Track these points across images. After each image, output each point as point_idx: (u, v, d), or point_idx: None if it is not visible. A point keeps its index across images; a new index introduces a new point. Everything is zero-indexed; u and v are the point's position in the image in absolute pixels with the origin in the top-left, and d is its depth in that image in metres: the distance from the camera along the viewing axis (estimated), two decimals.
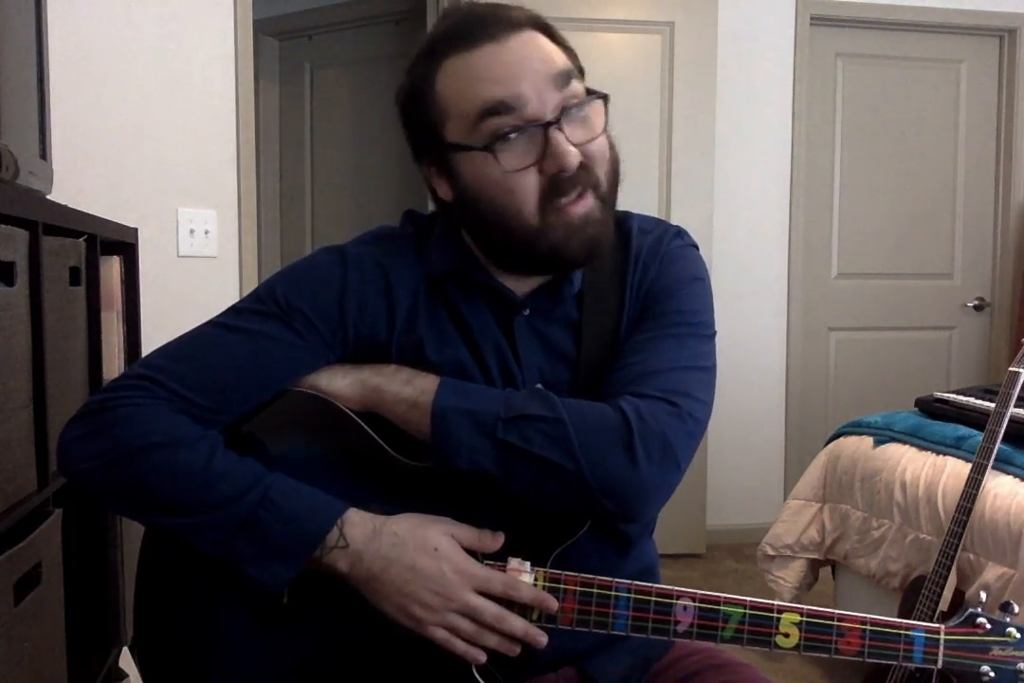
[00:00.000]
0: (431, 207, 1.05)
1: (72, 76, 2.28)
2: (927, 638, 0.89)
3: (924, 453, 2.18)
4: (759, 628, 0.86)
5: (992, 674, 0.89)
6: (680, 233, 1.06)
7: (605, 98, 0.92)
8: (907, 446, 2.25)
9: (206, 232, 2.51)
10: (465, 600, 0.85)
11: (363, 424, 0.92)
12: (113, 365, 1.49)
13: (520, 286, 0.98)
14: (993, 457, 1.82)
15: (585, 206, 0.90)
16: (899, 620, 0.89)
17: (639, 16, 3.13)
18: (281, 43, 3.89)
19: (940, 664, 0.89)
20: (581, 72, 0.94)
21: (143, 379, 0.89)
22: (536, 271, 0.96)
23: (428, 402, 0.89)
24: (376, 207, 3.66)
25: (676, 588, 0.87)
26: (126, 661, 1.69)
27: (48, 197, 1.31)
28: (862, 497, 2.30)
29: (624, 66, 3.12)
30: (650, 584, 0.87)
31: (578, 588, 0.87)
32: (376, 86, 3.69)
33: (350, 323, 0.94)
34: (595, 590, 0.87)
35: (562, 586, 0.87)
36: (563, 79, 0.89)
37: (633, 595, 0.87)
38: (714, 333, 0.99)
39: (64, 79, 2.20)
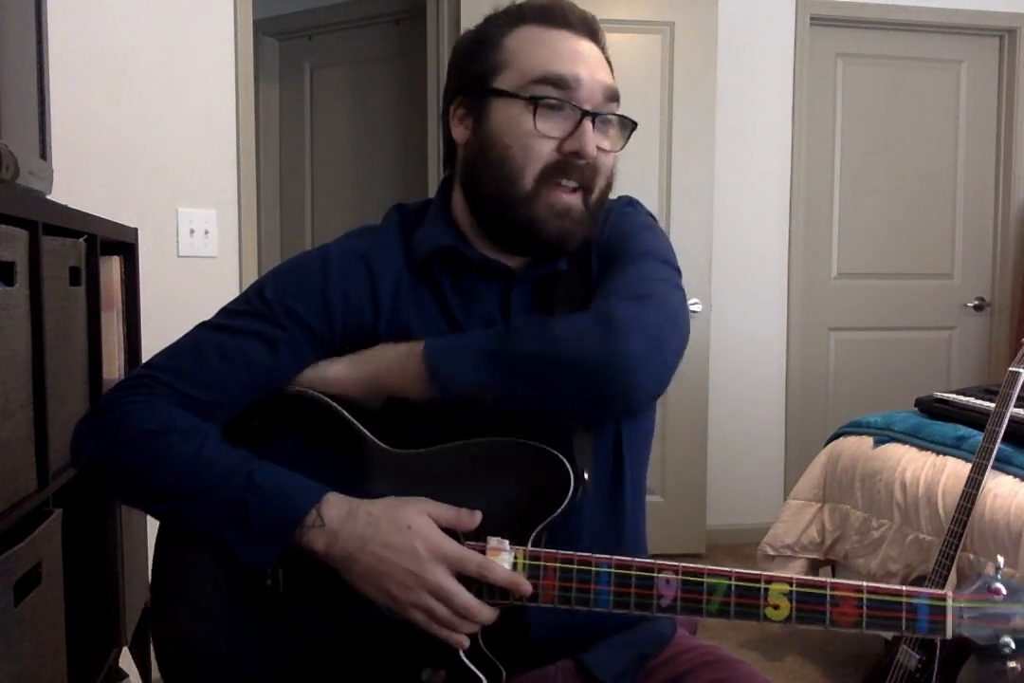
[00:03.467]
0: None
1: (72, 76, 2.28)
2: (932, 606, 0.84)
3: (924, 453, 2.18)
4: (746, 600, 0.85)
5: (1013, 646, 0.83)
6: (631, 202, 1.10)
7: (634, 126, 1.01)
8: (907, 446, 2.25)
9: (206, 232, 2.51)
10: (437, 579, 0.86)
11: (350, 417, 0.95)
12: (113, 365, 1.49)
13: (511, 261, 1.02)
14: (993, 457, 1.82)
15: (573, 199, 0.97)
16: (899, 587, 0.85)
17: (639, 16, 3.13)
18: (281, 43, 3.88)
19: (949, 633, 0.83)
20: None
21: (145, 377, 0.95)
22: (508, 243, 1.01)
23: (419, 350, 0.92)
24: (376, 206, 3.65)
25: (658, 562, 0.86)
26: (126, 661, 1.69)
27: (48, 197, 1.31)
28: (862, 497, 2.30)
29: (624, 66, 3.09)
30: (631, 558, 0.87)
31: (558, 565, 0.87)
32: (376, 86, 3.69)
33: (337, 313, 0.98)
34: (575, 566, 0.87)
35: (542, 563, 0.88)
36: (612, 94, 0.98)
37: (614, 570, 0.87)
38: (678, 270, 1.02)
39: (64, 79, 2.20)
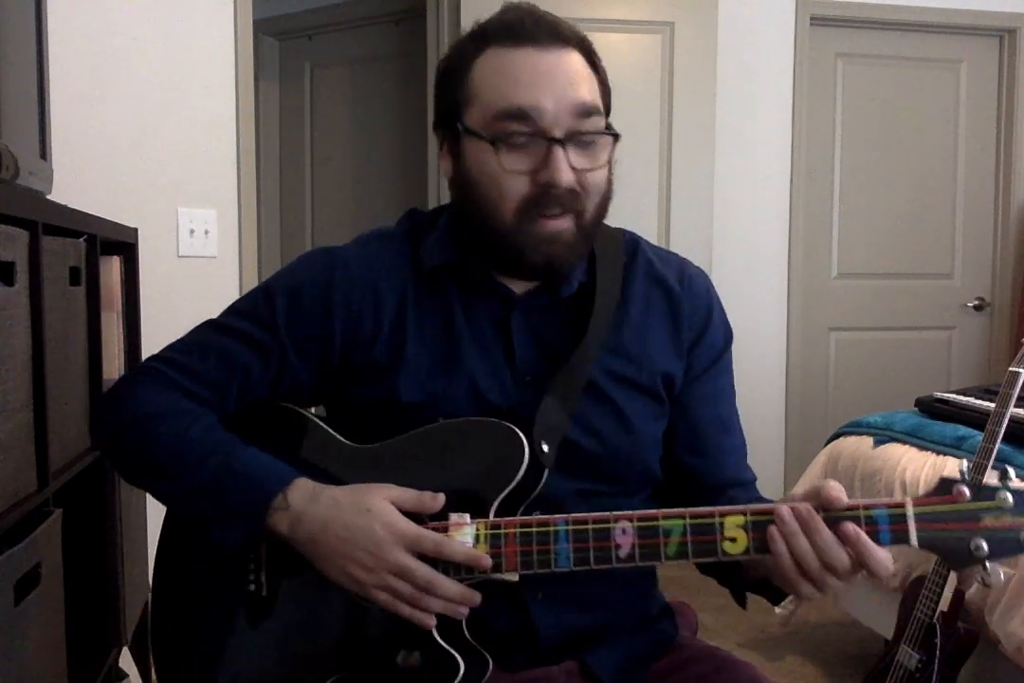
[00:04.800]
0: (431, 205, 1.07)
1: (72, 76, 2.28)
2: (891, 515, 0.81)
3: (924, 453, 2.18)
4: (702, 536, 0.84)
5: (986, 548, 0.78)
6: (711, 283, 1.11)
7: (616, 136, 0.96)
8: (907, 446, 2.25)
9: (206, 232, 2.51)
10: (396, 559, 0.87)
11: (318, 420, 1.01)
12: (113, 365, 1.49)
13: (516, 285, 1.01)
14: (993, 457, 1.82)
15: (559, 226, 0.94)
16: (856, 501, 0.82)
17: (639, 16, 3.13)
18: (281, 43, 3.88)
19: (915, 541, 0.80)
20: (607, 108, 0.98)
21: (152, 368, 1.01)
22: (503, 268, 1.00)
23: None
24: (376, 207, 3.66)
25: (615, 513, 0.87)
26: (126, 661, 1.69)
27: (48, 197, 1.31)
28: (862, 497, 2.30)
29: (624, 66, 3.11)
30: (588, 514, 0.88)
31: (518, 530, 0.88)
32: (376, 86, 3.69)
33: (337, 322, 1.00)
34: (534, 529, 0.88)
35: (503, 531, 0.88)
36: (584, 110, 0.93)
37: (571, 526, 0.87)
38: None
39: (64, 79, 2.20)
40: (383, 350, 0.99)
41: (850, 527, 0.81)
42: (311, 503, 0.90)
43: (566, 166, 0.91)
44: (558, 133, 0.91)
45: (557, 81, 0.92)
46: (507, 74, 0.92)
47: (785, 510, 0.82)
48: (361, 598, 0.89)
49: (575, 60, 0.94)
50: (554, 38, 0.93)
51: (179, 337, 1.04)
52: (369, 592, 0.88)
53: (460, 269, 1.01)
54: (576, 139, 0.93)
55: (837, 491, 0.83)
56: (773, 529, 0.82)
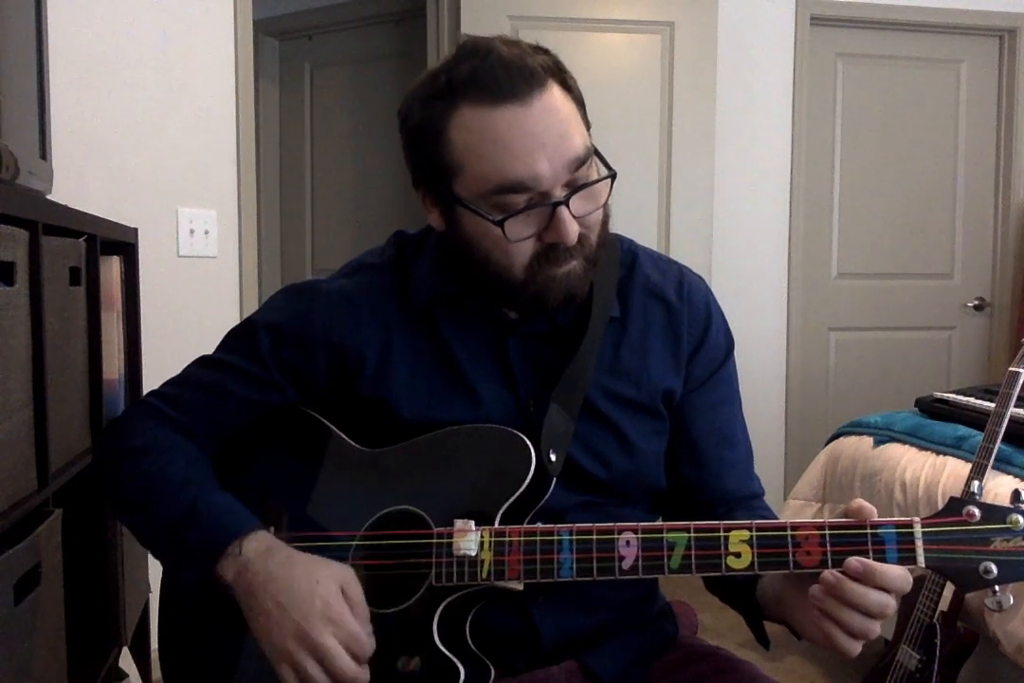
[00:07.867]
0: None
1: (72, 76, 2.28)
2: (899, 534, 0.79)
3: (924, 453, 2.18)
4: (707, 551, 0.83)
5: (995, 571, 0.75)
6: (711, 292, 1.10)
7: (613, 176, 0.93)
8: (907, 446, 2.25)
9: (206, 232, 2.51)
10: (321, 639, 0.83)
11: (328, 423, 1.02)
12: (113, 365, 1.49)
13: (512, 312, 1.01)
14: (993, 457, 1.82)
15: (569, 266, 0.93)
16: (863, 520, 0.80)
17: (639, 16, 3.13)
18: (281, 43, 3.88)
19: (922, 562, 0.78)
20: (587, 122, 0.94)
21: (145, 401, 1.07)
22: (515, 309, 1.00)
23: None
24: (376, 207, 3.66)
25: (619, 524, 0.86)
26: (126, 661, 1.69)
27: (48, 197, 1.31)
28: (862, 497, 2.30)
29: (624, 66, 3.12)
30: (593, 524, 0.87)
31: (522, 539, 0.87)
32: (376, 86, 3.69)
33: (320, 356, 1.00)
34: (538, 537, 0.87)
35: (508, 539, 0.88)
36: (579, 162, 0.89)
37: (576, 537, 0.86)
38: None
39: (64, 79, 2.20)
40: (369, 383, 0.99)
41: (853, 562, 0.77)
42: (264, 555, 0.89)
43: (572, 224, 0.89)
44: (559, 193, 0.89)
45: (548, 140, 0.87)
46: (494, 142, 0.87)
47: (817, 589, 0.78)
48: (266, 661, 0.87)
49: (556, 99, 0.88)
50: (530, 83, 0.87)
51: (176, 374, 1.08)
52: (277, 662, 0.85)
53: (454, 299, 1.00)
54: (577, 189, 0.90)
55: (870, 510, 0.82)
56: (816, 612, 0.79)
